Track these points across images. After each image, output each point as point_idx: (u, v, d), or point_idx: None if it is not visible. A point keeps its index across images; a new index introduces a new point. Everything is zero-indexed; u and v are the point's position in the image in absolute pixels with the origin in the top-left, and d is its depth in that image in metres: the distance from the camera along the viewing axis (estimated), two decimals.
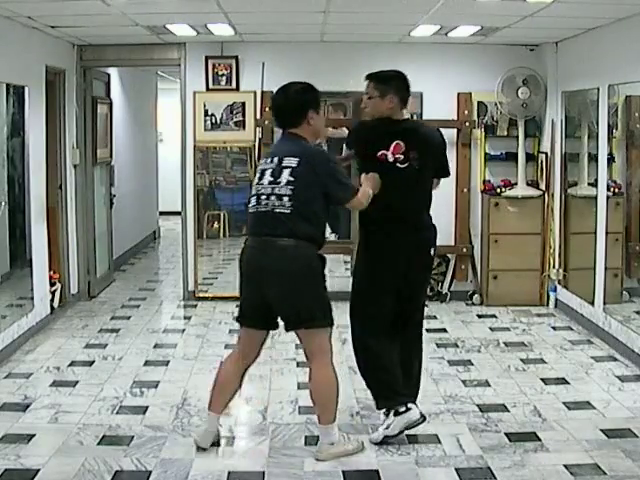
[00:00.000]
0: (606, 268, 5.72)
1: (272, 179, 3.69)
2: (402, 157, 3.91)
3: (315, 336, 3.76)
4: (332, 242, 8.72)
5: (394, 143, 3.91)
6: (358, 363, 4.19)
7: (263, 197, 3.69)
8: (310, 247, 3.68)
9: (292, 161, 3.66)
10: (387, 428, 3.91)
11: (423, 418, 3.94)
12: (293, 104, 3.75)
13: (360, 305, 4.15)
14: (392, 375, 4.01)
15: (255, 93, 6.87)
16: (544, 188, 6.82)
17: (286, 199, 3.63)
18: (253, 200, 3.75)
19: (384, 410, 3.99)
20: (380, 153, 3.92)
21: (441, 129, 7.14)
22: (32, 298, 5.92)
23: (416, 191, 4.02)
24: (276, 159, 3.72)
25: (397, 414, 3.90)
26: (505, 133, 7.02)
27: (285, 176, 3.66)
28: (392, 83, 3.96)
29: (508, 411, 4.39)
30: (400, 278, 4.02)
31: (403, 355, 4.09)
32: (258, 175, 3.78)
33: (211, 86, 6.93)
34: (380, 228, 4.00)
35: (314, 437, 4.00)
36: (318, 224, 3.74)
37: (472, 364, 5.28)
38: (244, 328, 3.86)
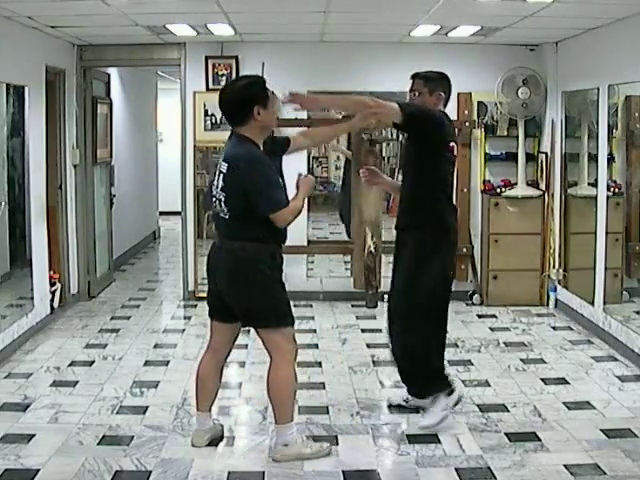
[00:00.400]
0: (606, 268, 5.72)
1: (215, 183, 3.69)
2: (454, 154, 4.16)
3: (269, 335, 3.75)
4: (333, 242, 8.75)
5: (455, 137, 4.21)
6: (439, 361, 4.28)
7: (214, 200, 3.71)
8: (259, 247, 3.63)
9: (224, 166, 3.63)
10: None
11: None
12: (237, 103, 3.62)
13: (437, 311, 4.20)
14: None
15: None
16: (544, 188, 6.82)
17: (223, 204, 3.64)
18: (212, 203, 3.79)
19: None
20: (452, 144, 4.14)
21: None
22: (32, 298, 5.92)
23: None
24: (220, 162, 3.69)
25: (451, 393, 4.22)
26: (505, 133, 7.02)
27: (220, 181, 3.65)
28: (440, 82, 4.17)
29: (508, 411, 4.39)
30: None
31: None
32: (215, 177, 3.75)
33: (211, 86, 6.93)
34: (455, 220, 4.24)
35: (314, 437, 4.01)
36: (257, 224, 3.60)
37: (472, 364, 5.28)
38: (213, 322, 3.95)
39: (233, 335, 3.93)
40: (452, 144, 4.15)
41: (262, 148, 3.71)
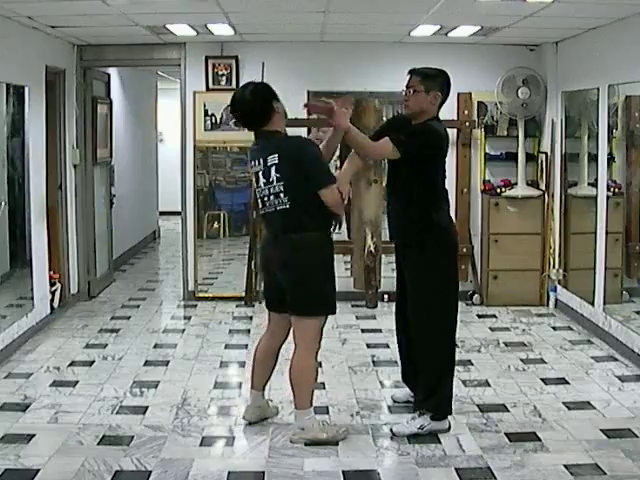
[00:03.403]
0: (606, 268, 5.72)
1: (265, 180, 3.83)
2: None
3: (305, 322, 3.91)
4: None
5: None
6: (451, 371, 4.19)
7: (266, 199, 3.87)
8: (316, 236, 3.86)
9: (274, 158, 3.78)
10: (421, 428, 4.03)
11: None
12: (259, 104, 3.83)
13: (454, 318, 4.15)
14: None
15: None
16: (544, 188, 6.82)
17: (282, 195, 3.79)
18: (260, 203, 3.94)
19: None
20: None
21: None
22: (32, 298, 5.92)
23: None
24: (262, 160, 3.84)
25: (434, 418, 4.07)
26: (505, 133, 7.02)
27: (273, 174, 3.79)
28: (438, 80, 4.01)
29: (508, 411, 4.39)
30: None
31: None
32: (254, 179, 3.93)
33: (211, 86, 6.93)
34: (452, 224, 4.21)
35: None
36: (317, 210, 3.80)
37: (472, 364, 5.28)
38: (271, 312, 4.17)
39: (289, 323, 4.04)
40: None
41: None
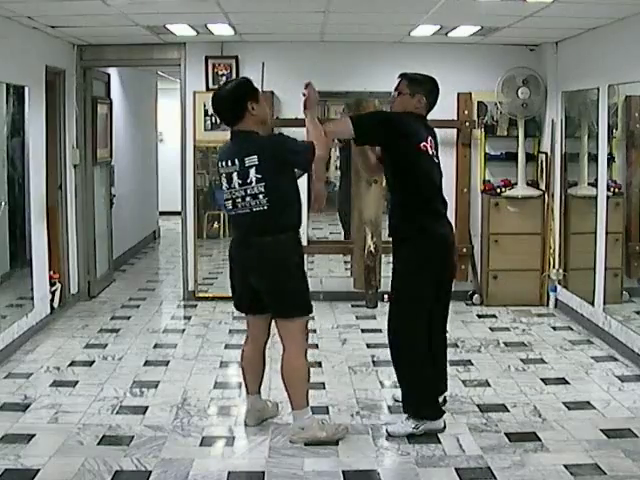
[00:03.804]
0: (606, 268, 5.72)
1: (241, 181, 3.80)
2: (434, 152, 4.07)
3: (289, 325, 3.91)
4: (333, 242, 8.74)
5: (429, 138, 4.05)
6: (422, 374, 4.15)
7: (239, 200, 3.83)
8: (291, 237, 3.87)
9: (253, 159, 3.75)
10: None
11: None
12: (232, 102, 3.83)
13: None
14: None
15: None
16: (544, 188, 6.82)
17: (262, 196, 3.77)
18: (229, 204, 3.89)
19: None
20: (422, 144, 4.00)
21: (441, 129, 7.20)
22: (32, 298, 5.92)
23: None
24: (237, 161, 3.80)
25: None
26: (505, 133, 7.02)
27: (252, 175, 3.76)
28: (424, 85, 4.07)
29: (508, 411, 4.39)
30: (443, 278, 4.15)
31: None
32: (226, 179, 3.87)
33: (211, 86, 6.92)
34: (441, 220, 4.11)
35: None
36: (293, 210, 3.89)
37: (472, 364, 5.28)
38: (248, 316, 4.17)
39: (268, 322, 4.07)
40: (423, 144, 3.97)
41: None
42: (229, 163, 3.83)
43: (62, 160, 6.71)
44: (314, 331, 6.15)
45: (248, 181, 3.77)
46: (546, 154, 6.79)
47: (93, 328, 6.20)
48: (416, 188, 4.01)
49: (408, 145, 3.96)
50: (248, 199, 3.79)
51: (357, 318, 6.54)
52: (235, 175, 3.81)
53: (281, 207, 3.81)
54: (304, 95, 4.00)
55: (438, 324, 4.17)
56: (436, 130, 7.38)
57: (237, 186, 3.81)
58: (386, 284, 5.75)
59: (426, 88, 4.07)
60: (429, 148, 4.00)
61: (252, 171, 3.76)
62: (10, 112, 5.68)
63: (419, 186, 4.02)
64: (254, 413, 4.21)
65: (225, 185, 3.88)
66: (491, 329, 6.22)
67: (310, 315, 4.00)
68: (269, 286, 3.87)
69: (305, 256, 4.02)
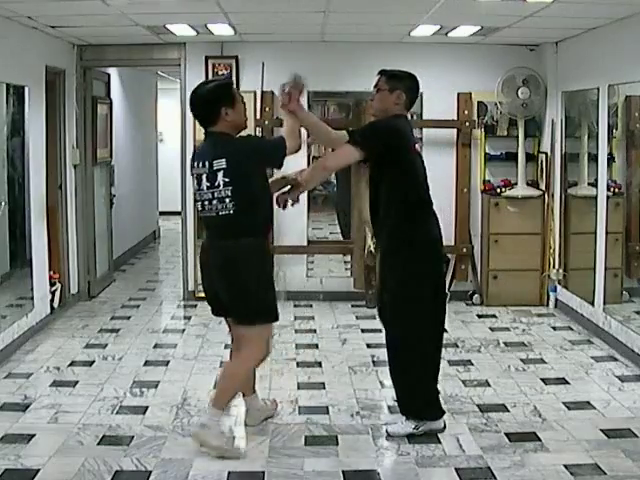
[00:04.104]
0: (606, 268, 5.72)
1: (209, 184, 3.73)
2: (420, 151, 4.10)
3: (249, 330, 3.83)
4: (333, 242, 8.75)
5: (415, 138, 4.10)
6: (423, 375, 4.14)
7: (206, 202, 3.77)
8: (255, 243, 3.76)
9: (221, 163, 3.69)
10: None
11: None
12: (204, 104, 3.79)
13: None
14: None
15: (255, 93, 6.86)
16: (544, 188, 6.82)
17: (228, 200, 3.71)
18: (199, 206, 3.84)
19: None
20: (415, 145, 4.07)
21: (441, 129, 7.20)
22: (32, 298, 5.92)
23: None
24: (207, 163, 3.74)
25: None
26: (505, 133, 7.02)
27: (220, 179, 3.70)
28: (404, 81, 4.02)
29: (508, 411, 4.39)
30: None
31: None
32: (196, 181, 3.81)
33: None
34: (435, 218, 4.09)
35: (314, 437, 4.01)
36: (259, 215, 3.79)
37: (472, 364, 5.28)
38: (226, 319, 4.06)
39: None
40: (415, 145, 4.08)
41: None
42: (200, 164, 3.77)
43: (62, 160, 6.71)
44: (314, 331, 6.16)
45: (216, 184, 3.70)
46: (546, 154, 6.79)
47: (93, 328, 6.20)
48: (415, 189, 4.00)
49: (407, 152, 3.99)
50: (215, 202, 3.72)
51: (357, 318, 6.54)
52: (204, 177, 3.74)
53: (247, 212, 3.71)
54: (287, 93, 3.94)
55: (438, 323, 4.17)
56: (436, 130, 7.45)
57: (205, 188, 3.74)
58: None
59: (405, 84, 4.01)
60: (418, 147, 4.08)
61: (220, 174, 3.69)
62: (10, 112, 5.69)
63: (417, 187, 4.01)
64: (253, 413, 4.20)
65: (195, 186, 3.82)
66: (491, 329, 6.22)
67: (272, 323, 3.90)
68: (231, 290, 3.78)
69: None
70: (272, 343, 4.15)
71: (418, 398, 4.07)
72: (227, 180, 3.68)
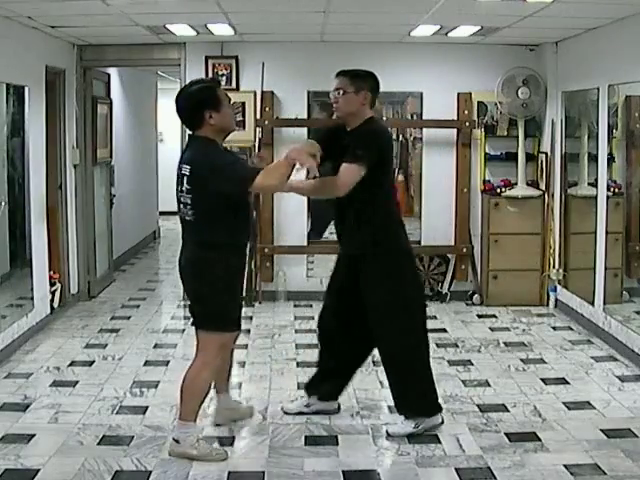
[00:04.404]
0: (606, 268, 5.72)
1: (179, 187, 3.71)
2: None
3: (204, 337, 3.78)
4: (333, 242, 8.73)
5: None
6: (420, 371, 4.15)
7: (180, 204, 3.75)
8: (213, 253, 3.67)
9: (186, 169, 3.65)
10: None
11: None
12: (189, 108, 3.68)
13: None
14: None
15: (255, 93, 6.86)
16: (544, 188, 6.82)
17: (189, 207, 3.68)
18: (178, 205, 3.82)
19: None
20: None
21: (441, 129, 7.20)
22: (32, 298, 5.92)
23: None
24: (180, 165, 3.72)
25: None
26: (505, 133, 7.02)
27: (185, 184, 3.67)
28: (367, 81, 3.93)
29: (508, 411, 4.39)
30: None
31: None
32: (176, 181, 3.76)
33: None
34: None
35: (314, 437, 4.01)
36: (219, 226, 3.66)
37: (472, 364, 5.28)
38: None
39: None
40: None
41: None
42: (179, 165, 3.73)
43: (62, 160, 6.71)
44: (314, 331, 6.14)
45: (182, 189, 3.68)
46: (546, 154, 6.78)
47: (93, 328, 6.20)
48: (388, 195, 3.96)
49: (391, 157, 4.02)
50: (181, 206, 3.72)
51: None
52: (178, 179, 3.71)
53: (205, 222, 3.65)
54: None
55: (424, 319, 4.17)
56: (436, 130, 7.45)
57: (179, 190, 3.72)
58: None
59: (369, 84, 3.92)
60: None
61: (185, 180, 3.65)
62: (10, 112, 5.68)
63: (390, 192, 3.98)
64: (221, 412, 4.16)
65: (175, 186, 3.78)
66: (491, 329, 6.22)
67: (229, 334, 3.86)
68: (188, 292, 3.85)
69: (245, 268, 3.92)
70: (231, 354, 4.10)
71: (417, 396, 4.08)
72: (189, 187, 3.64)
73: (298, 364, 5.28)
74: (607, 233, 5.70)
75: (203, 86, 3.79)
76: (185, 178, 3.65)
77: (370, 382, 4.91)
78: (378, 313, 3.99)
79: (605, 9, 5.08)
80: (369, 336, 4.11)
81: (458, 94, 6.90)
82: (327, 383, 4.32)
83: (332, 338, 4.26)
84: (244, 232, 3.86)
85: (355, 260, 3.99)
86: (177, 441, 3.77)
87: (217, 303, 3.73)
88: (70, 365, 5.24)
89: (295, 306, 6.91)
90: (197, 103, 3.65)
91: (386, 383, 4.84)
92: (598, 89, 5.73)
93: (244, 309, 6.79)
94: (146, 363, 5.31)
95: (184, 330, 6.25)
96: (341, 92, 3.88)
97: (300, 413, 4.29)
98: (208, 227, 3.66)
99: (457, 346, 5.71)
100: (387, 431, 4.07)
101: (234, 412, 4.22)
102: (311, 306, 6.89)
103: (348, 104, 3.89)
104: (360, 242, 3.96)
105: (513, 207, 6.83)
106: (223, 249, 3.70)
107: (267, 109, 6.82)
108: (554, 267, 6.72)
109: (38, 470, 3.59)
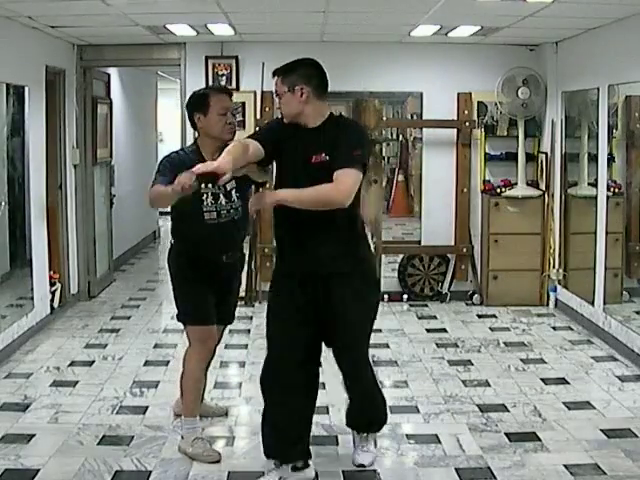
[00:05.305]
0: (606, 268, 5.72)
1: None
2: None
3: (185, 327, 3.98)
4: None
5: None
6: None
7: None
8: (176, 245, 4.04)
9: None
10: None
11: None
12: (186, 108, 3.89)
13: None
14: None
15: (255, 93, 6.87)
16: (544, 188, 6.82)
17: None
18: None
19: None
20: None
21: (441, 129, 7.19)
22: (32, 298, 5.92)
23: None
24: None
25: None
26: (505, 133, 7.02)
27: None
28: (299, 71, 3.42)
29: (508, 411, 4.39)
30: None
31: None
32: None
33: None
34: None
35: (314, 437, 3.99)
36: (176, 226, 4.07)
37: (472, 364, 5.28)
38: None
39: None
40: None
41: None
42: None
43: (62, 160, 6.71)
44: None
45: None
46: (546, 154, 6.78)
47: (93, 328, 6.20)
48: (357, 203, 3.39)
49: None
50: None
51: None
52: None
53: (171, 217, 4.05)
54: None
55: None
56: (436, 130, 7.45)
57: None
58: (386, 284, 5.78)
59: (300, 73, 3.39)
60: None
61: None
62: (10, 112, 5.68)
63: (358, 198, 3.39)
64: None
65: None
66: (491, 329, 6.22)
67: (197, 326, 3.85)
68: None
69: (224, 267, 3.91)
70: (214, 348, 4.05)
71: (384, 406, 3.80)
72: None
73: None
74: (607, 233, 5.70)
75: (199, 92, 3.94)
76: None
77: None
78: (354, 330, 3.54)
79: (605, 9, 5.08)
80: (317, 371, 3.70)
81: (458, 94, 6.90)
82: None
83: (295, 393, 3.59)
84: (188, 231, 3.96)
85: (323, 279, 3.38)
86: (182, 437, 3.86)
87: (181, 296, 3.97)
88: (70, 365, 5.24)
89: None
90: (190, 105, 3.86)
91: (385, 383, 4.88)
92: (598, 89, 5.74)
93: (244, 308, 6.85)
94: (146, 363, 5.31)
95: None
96: (278, 97, 3.41)
97: None
98: (172, 222, 4.07)
99: (457, 346, 5.71)
100: (360, 464, 3.67)
101: (207, 412, 4.25)
102: None
103: (288, 106, 3.38)
104: (342, 258, 3.38)
105: (513, 207, 6.83)
106: (186, 243, 3.99)
107: (267, 109, 6.82)
108: (554, 267, 6.72)
109: (38, 470, 3.59)
